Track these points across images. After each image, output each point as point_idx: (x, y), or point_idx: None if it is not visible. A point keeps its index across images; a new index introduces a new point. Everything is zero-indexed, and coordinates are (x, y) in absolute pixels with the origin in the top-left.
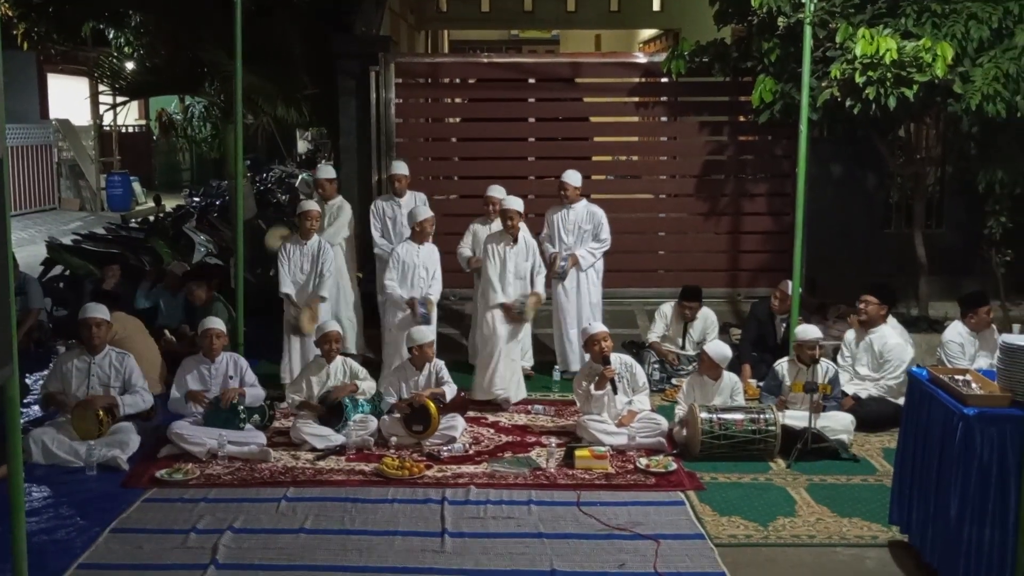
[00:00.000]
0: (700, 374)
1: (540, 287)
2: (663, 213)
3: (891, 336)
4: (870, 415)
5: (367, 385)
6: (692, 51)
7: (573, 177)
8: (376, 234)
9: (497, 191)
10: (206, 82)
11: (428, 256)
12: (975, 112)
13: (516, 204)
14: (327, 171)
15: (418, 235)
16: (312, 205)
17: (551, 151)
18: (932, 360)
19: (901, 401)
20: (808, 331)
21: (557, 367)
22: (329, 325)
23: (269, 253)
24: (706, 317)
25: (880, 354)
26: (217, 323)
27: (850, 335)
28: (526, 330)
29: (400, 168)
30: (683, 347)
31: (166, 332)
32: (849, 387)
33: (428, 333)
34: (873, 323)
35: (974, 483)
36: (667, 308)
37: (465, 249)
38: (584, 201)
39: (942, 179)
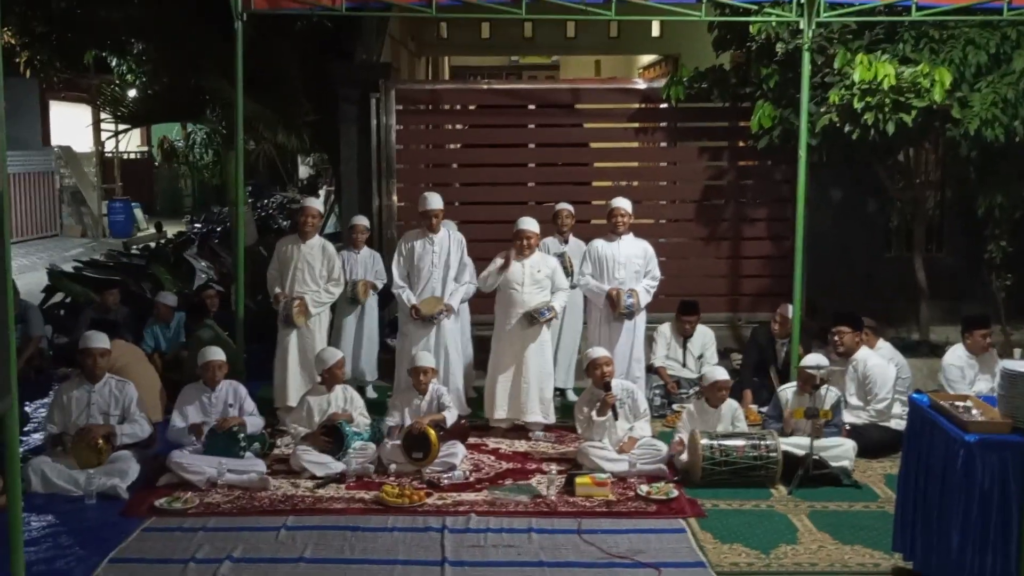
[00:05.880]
0: (700, 397)
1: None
2: (663, 238)
3: (871, 358)
4: (869, 442)
5: (363, 421)
6: (691, 77)
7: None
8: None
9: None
10: (207, 109)
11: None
12: (974, 137)
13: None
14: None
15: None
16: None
17: (551, 177)
18: (933, 385)
19: (894, 424)
20: (812, 359)
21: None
22: (330, 354)
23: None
24: (704, 332)
25: (864, 378)
26: (218, 354)
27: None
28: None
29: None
30: (684, 364)
31: (155, 356)
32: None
33: (427, 359)
34: (851, 352)
35: (976, 510)
36: (665, 328)
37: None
38: (632, 235)
39: (942, 203)
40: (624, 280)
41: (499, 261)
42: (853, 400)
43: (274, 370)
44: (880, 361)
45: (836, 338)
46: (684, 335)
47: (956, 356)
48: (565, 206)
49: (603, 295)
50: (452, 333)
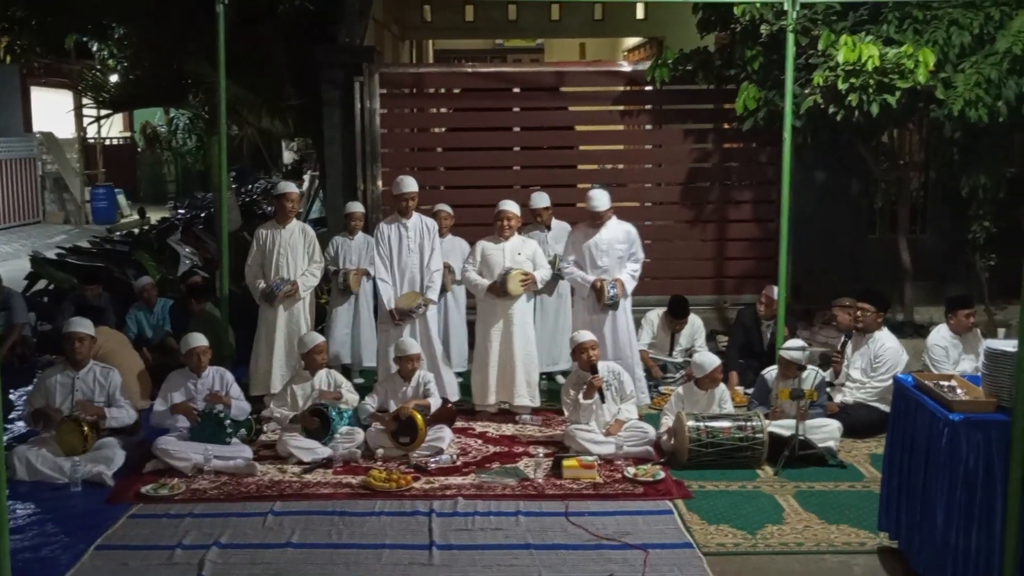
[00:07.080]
0: (689, 380)
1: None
2: (649, 221)
3: (888, 340)
4: (857, 422)
5: (351, 397)
6: (676, 59)
7: (602, 198)
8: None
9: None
10: (190, 94)
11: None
12: (957, 118)
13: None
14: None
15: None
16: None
17: (536, 160)
18: (918, 365)
19: (886, 407)
20: (791, 344)
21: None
22: (311, 338)
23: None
24: (692, 323)
25: (876, 357)
26: (201, 340)
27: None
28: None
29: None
30: (671, 354)
31: (143, 350)
32: (838, 391)
33: (414, 345)
34: (869, 330)
35: (960, 488)
36: (654, 316)
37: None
38: (615, 219)
39: (926, 184)
40: (608, 267)
41: (485, 282)
42: (856, 374)
43: (255, 357)
44: (896, 346)
45: (858, 313)
46: (673, 330)
47: (940, 336)
48: (541, 203)
49: (587, 286)
50: (432, 322)
